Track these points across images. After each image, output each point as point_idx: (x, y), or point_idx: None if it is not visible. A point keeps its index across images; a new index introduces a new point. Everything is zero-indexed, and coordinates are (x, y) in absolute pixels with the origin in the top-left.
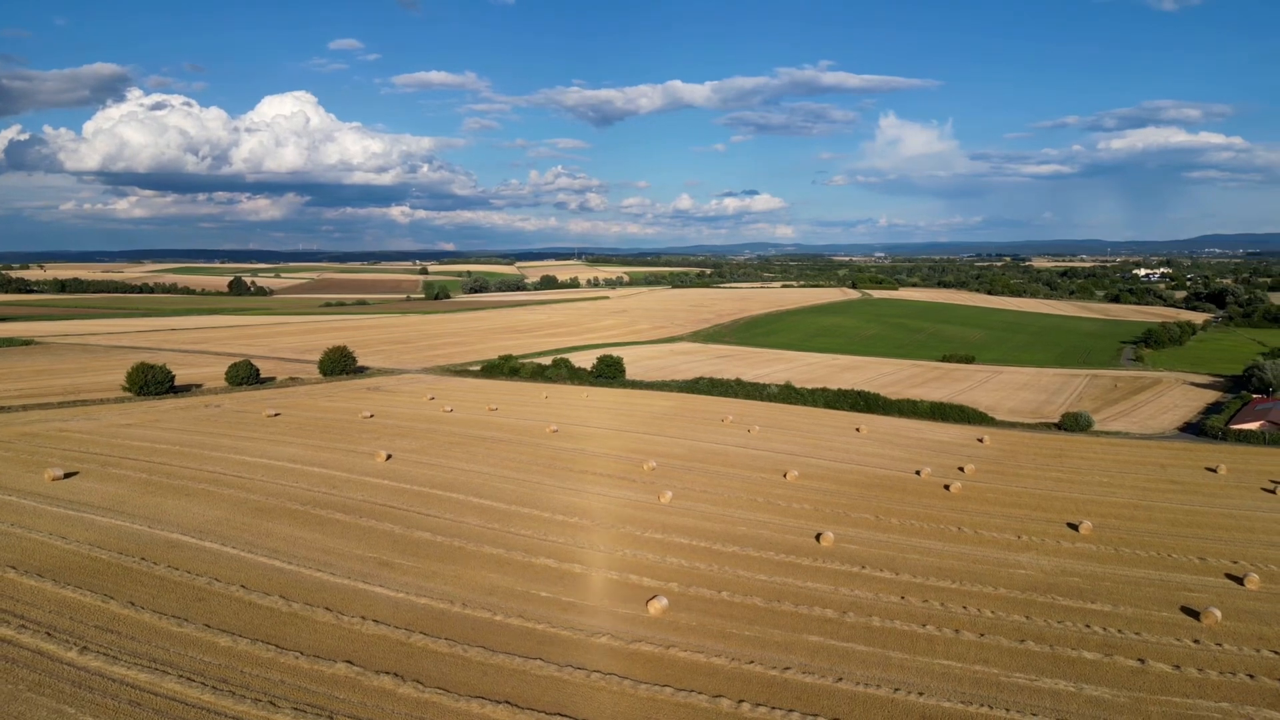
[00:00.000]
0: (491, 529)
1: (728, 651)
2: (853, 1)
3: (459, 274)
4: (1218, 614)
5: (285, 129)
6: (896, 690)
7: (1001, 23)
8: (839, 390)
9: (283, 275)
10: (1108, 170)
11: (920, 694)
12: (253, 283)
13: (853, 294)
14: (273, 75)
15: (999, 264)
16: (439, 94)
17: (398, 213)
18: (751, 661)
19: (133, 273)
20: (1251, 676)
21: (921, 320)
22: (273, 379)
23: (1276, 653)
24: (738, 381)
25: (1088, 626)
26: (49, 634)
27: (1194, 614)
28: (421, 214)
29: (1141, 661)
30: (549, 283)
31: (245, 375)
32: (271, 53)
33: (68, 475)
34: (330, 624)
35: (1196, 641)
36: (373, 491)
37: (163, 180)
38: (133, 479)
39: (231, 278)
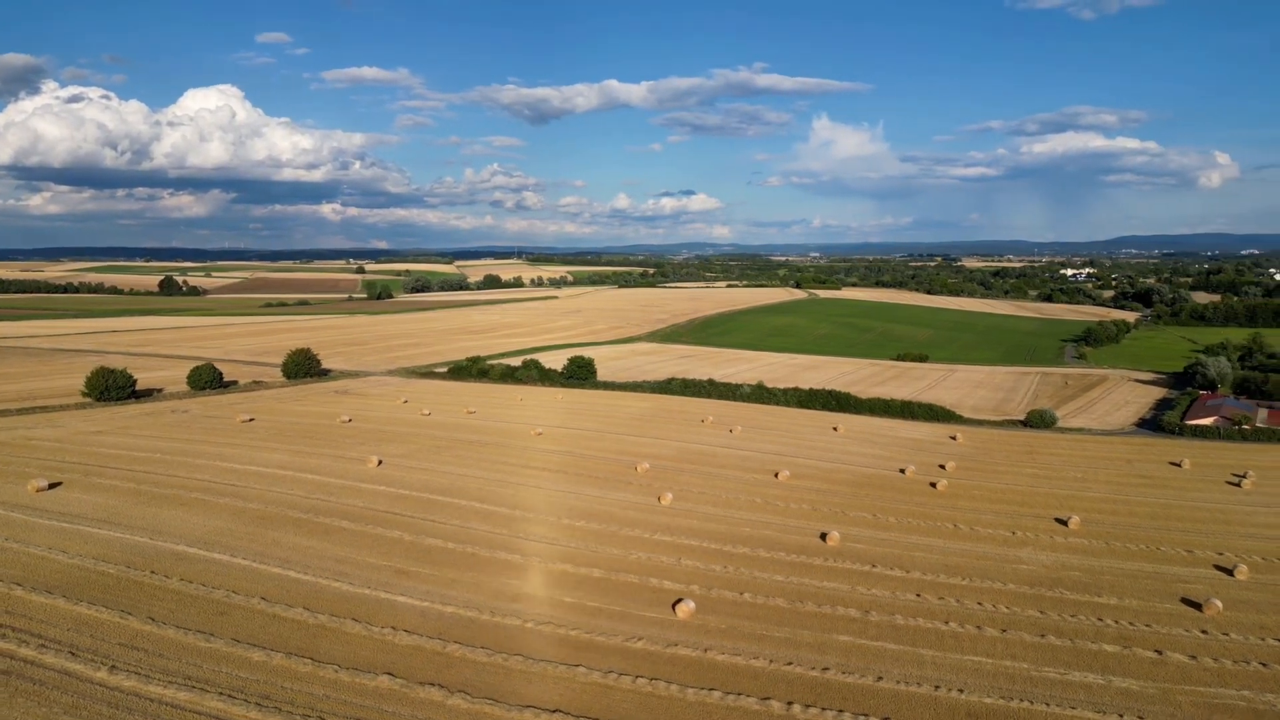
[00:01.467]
0: (499, 534)
1: (764, 653)
2: (786, 5)
3: (398, 273)
4: (1219, 605)
5: (210, 123)
6: (937, 688)
7: (929, 29)
8: (811, 390)
9: (214, 274)
10: (1031, 173)
11: (960, 691)
12: (184, 282)
13: (799, 294)
14: (197, 68)
15: (932, 264)
16: (371, 90)
17: (329, 210)
18: (790, 663)
19: (53, 271)
20: (1264, 665)
21: (869, 320)
22: (235, 383)
23: (1279, 641)
24: (710, 382)
25: (1100, 620)
26: (72, 653)
27: (1195, 605)
28: (354, 212)
29: (1159, 653)
30: (492, 282)
31: (209, 379)
32: (195, 45)
33: (52, 486)
34: (362, 635)
35: (1205, 632)
36: (372, 498)
37: (79, 176)
38: (121, 489)
39: (161, 277)
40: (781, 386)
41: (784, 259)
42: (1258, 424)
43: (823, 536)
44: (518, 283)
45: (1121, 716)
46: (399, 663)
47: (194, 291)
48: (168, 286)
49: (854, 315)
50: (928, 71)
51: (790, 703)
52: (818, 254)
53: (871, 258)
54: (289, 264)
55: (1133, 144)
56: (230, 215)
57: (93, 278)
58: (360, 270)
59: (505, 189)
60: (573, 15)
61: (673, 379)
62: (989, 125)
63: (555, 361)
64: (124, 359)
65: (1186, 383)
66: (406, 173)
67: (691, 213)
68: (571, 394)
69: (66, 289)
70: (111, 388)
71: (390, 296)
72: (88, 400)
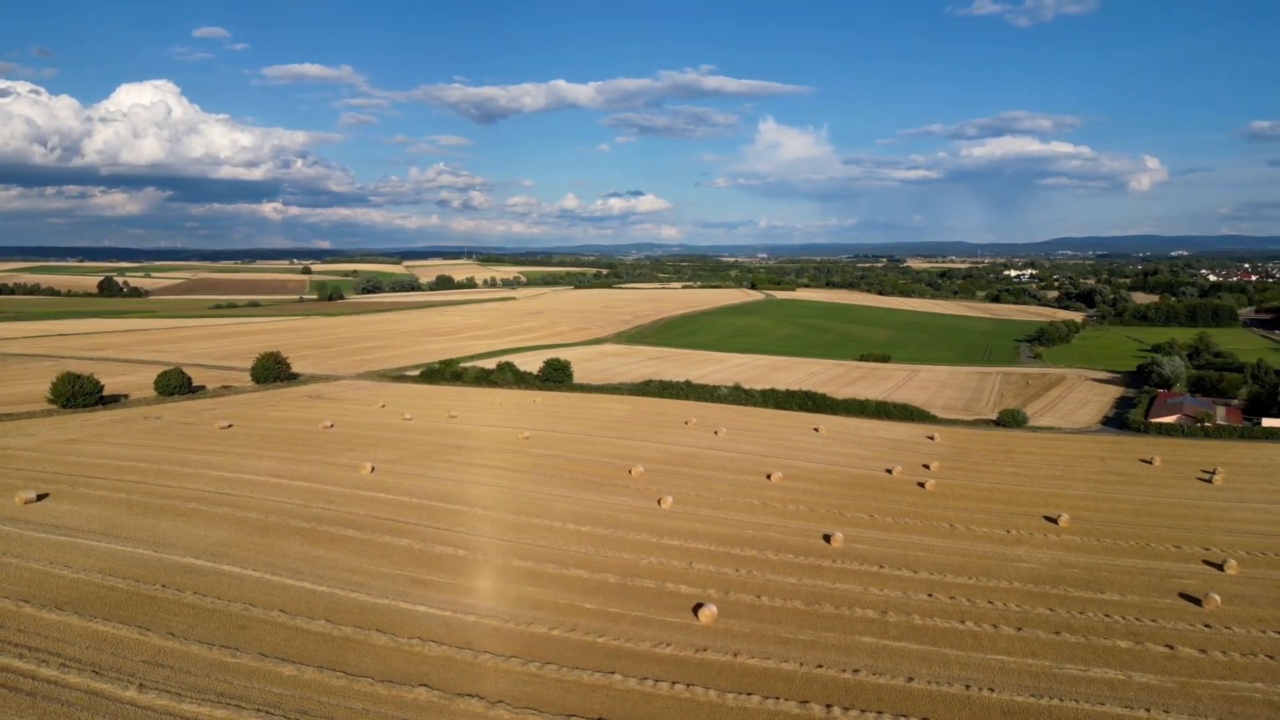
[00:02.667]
0: (507, 541)
1: (792, 656)
2: (732, 8)
3: (346, 274)
4: (1217, 599)
5: (144, 119)
6: (968, 688)
7: (870, 33)
8: (787, 391)
9: (153, 275)
10: (970, 176)
11: (990, 690)
12: (125, 283)
13: (757, 295)
14: (130, 63)
15: (879, 265)
16: (313, 87)
17: (270, 209)
18: (820, 665)
19: None
20: (1271, 657)
21: (828, 320)
22: (203, 387)
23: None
24: (687, 384)
25: (1107, 616)
26: (96, 672)
27: (1194, 600)
28: (295, 211)
29: (1170, 648)
30: (445, 283)
31: (177, 384)
32: (129, 39)
33: (40, 497)
34: (390, 647)
35: (1208, 626)
36: (372, 506)
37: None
38: (113, 500)
39: (100, 278)
40: (754, 387)
41: (733, 260)
42: (1219, 421)
43: (826, 538)
44: (470, 283)
45: (1149, 711)
46: (433, 674)
47: (135, 293)
48: (108, 288)
49: (813, 316)
50: (869, 75)
51: (829, 705)
52: (765, 255)
53: (819, 259)
54: (230, 264)
55: (1067, 148)
56: (166, 214)
57: (27, 278)
58: (306, 271)
59: (452, 188)
60: (520, 14)
61: (650, 381)
62: (929, 129)
63: (527, 364)
64: (82, 364)
65: (1142, 381)
66: (350, 172)
67: (640, 213)
68: (550, 397)
69: (1, 290)
70: (79, 394)
71: (342, 298)
72: (53, 407)
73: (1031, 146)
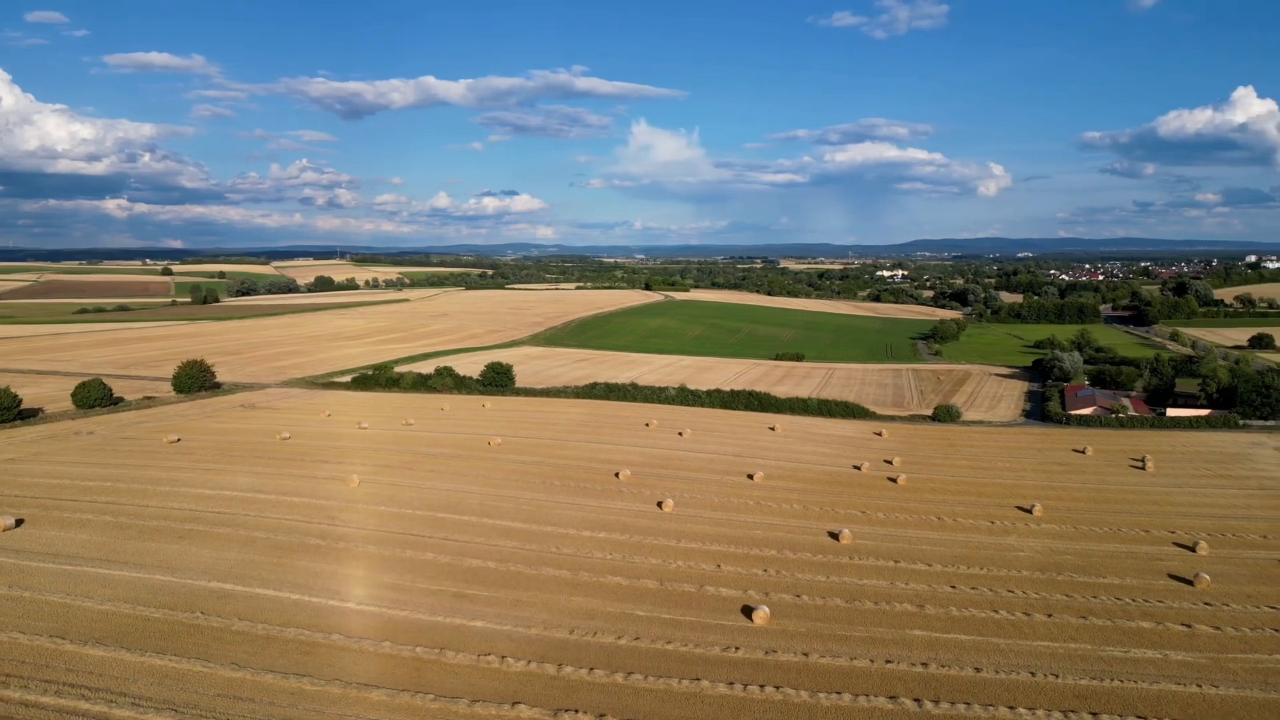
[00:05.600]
0: (530, 550)
1: (859, 653)
2: (603, 10)
3: (212, 275)
4: (1207, 579)
5: None
6: (1034, 674)
7: (739, 39)
8: (733, 391)
9: None
10: (834, 180)
11: (1055, 675)
12: None
13: (656, 296)
14: None
15: (757, 266)
16: (161, 77)
17: (113, 206)
18: (889, 661)
19: None
20: (1277, 630)
21: (732, 320)
22: (121, 399)
23: (1274, 608)
24: (634, 386)
25: (1118, 599)
26: (175, 710)
27: (1185, 581)
28: (143, 208)
29: (1188, 626)
30: (325, 284)
31: (98, 396)
32: None
33: (18, 523)
34: (469, 665)
35: (1209, 604)
36: (378, 519)
37: None
38: (97, 523)
39: None
40: (695, 388)
41: (614, 261)
42: (1130, 413)
43: (834, 536)
44: (351, 284)
45: (1200, 686)
46: (522, 690)
47: None
48: None
49: (716, 317)
50: (738, 80)
51: (918, 699)
52: (643, 255)
53: (697, 260)
54: (74, 265)
55: (922, 155)
56: None
57: None
58: (167, 272)
59: (316, 186)
60: (386, 9)
61: (596, 384)
62: (795, 134)
63: (460, 367)
64: None
65: (1043, 376)
66: (205, 167)
67: (515, 213)
68: (499, 401)
69: None
70: None
71: (216, 300)
72: None
73: (890, 153)
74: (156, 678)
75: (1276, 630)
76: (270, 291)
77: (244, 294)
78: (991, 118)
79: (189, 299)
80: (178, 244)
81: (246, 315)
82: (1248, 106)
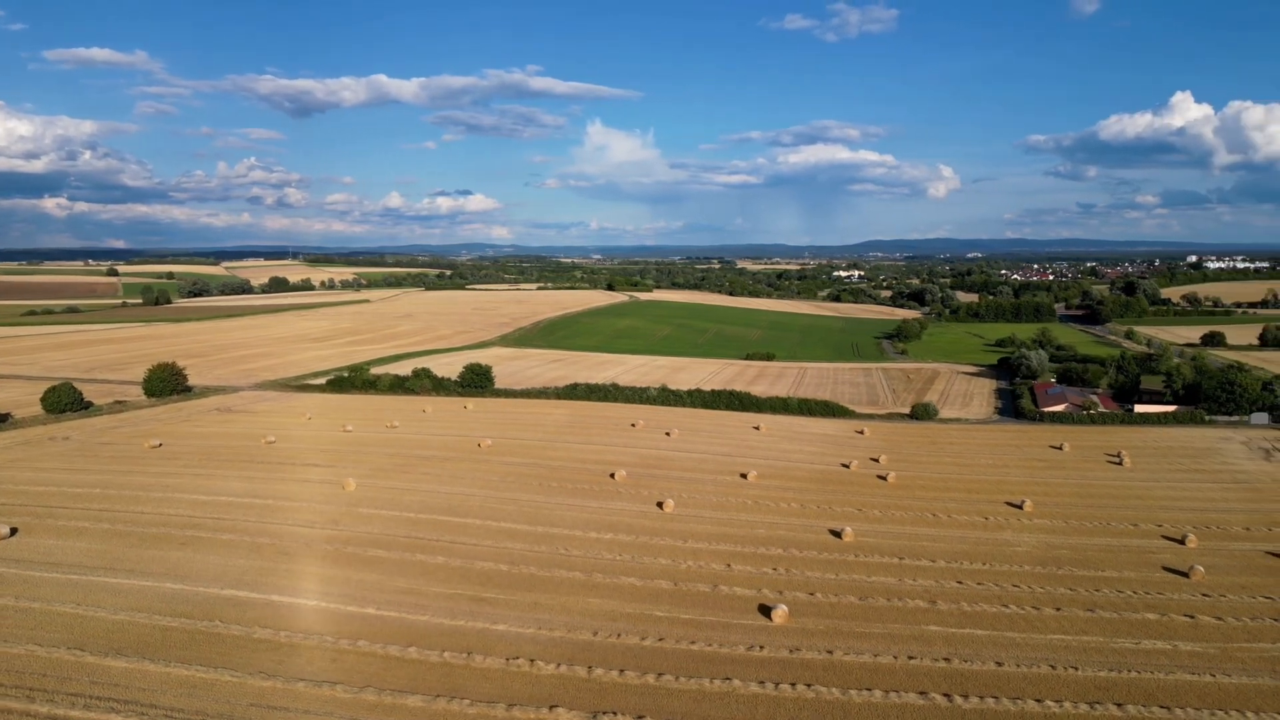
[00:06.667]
0: (541, 552)
1: (881, 650)
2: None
3: (160, 275)
4: (1201, 570)
5: None
6: (1054, 667)
7: (693, 41)
8: (713, 390)
9: None
10: (788, 181)
11: (1074, 668)
12: None
13: (621, 297)
14: None
15: (715, 266)
16: (103, 73)
17: (53, 205)
18: (911, 657)
19: None
20: (1276, 620)
21: (699, 321)
22: (91, 404)
23: (1269, 598)
24: (614, 386)
25: (1119, 591)
26: None
27: (1179, 573)
28: (84, 207)
29: (1191, 617)
30: (280, 285)
31: (69, 401)
32: None
33: (13, 532)
34: (500, 670)
35: (1206, 595)
36: (381, 523)
37: None
38: (95, 531)
39: None
40: (671, 388)
41: (572, 261)
42: (1101, 409)
43: (836, 534)
44: (307, 285)
45: (1214, 676)
46: (556, 694)
47: None
48: None
49: (683, 317)
50: (693, 81)
51: (948, 694)
52: (599, 256)
53: (655, 260)
54: (13, 265)
55: (873, 156)
56: None
57: None
58: (112, 273)
59: (265, 185)
60: (337, 5)
61: (576, 385)
62: (749, 135)
63: (436, 369)
64: None
65: (1010, 374)
66: (148, 165)
67: (469, 213)
68: (481, 403)
69: None
70: None
71: (169, 302)
72: None
73: (842, 154)
74: (185, 688)
75: (1275, 620)
76: (224, 293)
77: (196, 295)
78: (940, 120)
79: (139, 300)
80: (120, 244)
81: (204, 317)
82: (1185, 111)
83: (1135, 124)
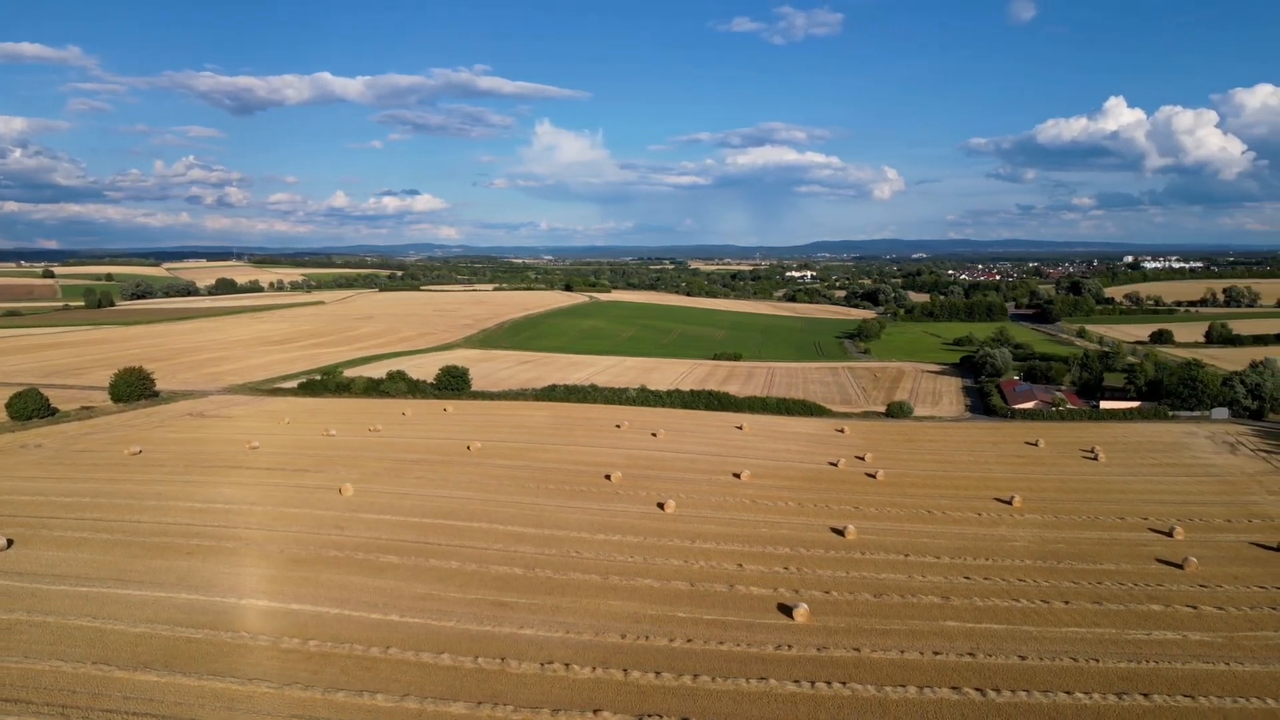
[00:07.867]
0: (552, 555)
1: (907, 646)
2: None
3: (97, 276)
4: (1195, 562)
5: None
6: (1075, 660)
7: (641, 41)
8: (692, 391)
9: None
10: (736, 182)
11: (1095, 660)
12: None
13: (581, 298)
14: None
15: (669, 267)
16: (32, 69)
17: None
18: (937, 652)
19: None
20: (1274, 609)
21: (662, 321)
22: (58, 410)
23: (1263, 588)
24: (593, 387)
25: (1121, 584)
26: None
27: (1174, 565)
28: (13, 207)
29: (1193, 607)
30: (228, 287)
31: (35, 407)
32: None
33: (9, 544)
34: (535, 674)
35: (1204, 586)
36: (387, 529)
37: None
38: (94, 541)
39: None
40: (649, 388)
41: (524, 261)
42: (1068, 406)
43: (839, 531)
44: (255, 287)
45: (1227, 665)
46: (598, 697)
47: None
48: None
49: (646, 317)
50: (641, 82)
51: (980, 689)
52: (550, 256)
53: (606, 261)
54: None
55: (820, 158)
56: None
57: None
58: (48, 274)
59: (205, 184)
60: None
61: (555, 386)
62: (698, 137)
63: (408, 371)
64: None
65: (974, 372)
66: (81, 164)
67: (416, 213)
68: (460, 405)
69: None
70: None
71: (112, 304)
72: None
73: (789, 156)
74: (224, 701)
75: (1273, 609)
76: (169, 294)
77: (140, 297)
78: (885, 123)
79: (81, 303)
80: (53, 244)
81: (153, 320)
82: (1118, 116)
83: (1071, 128)
